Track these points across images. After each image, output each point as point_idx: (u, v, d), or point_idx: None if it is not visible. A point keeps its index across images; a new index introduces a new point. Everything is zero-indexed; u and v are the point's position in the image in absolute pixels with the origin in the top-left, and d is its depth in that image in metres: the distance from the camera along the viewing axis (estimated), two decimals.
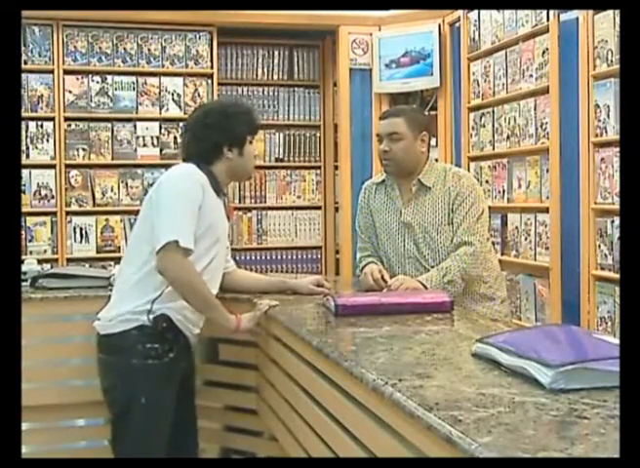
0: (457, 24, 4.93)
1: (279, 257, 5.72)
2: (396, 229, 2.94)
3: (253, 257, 5.65)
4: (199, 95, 5.40)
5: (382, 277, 2.80)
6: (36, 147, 5.13)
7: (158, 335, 2.44)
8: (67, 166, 5.20)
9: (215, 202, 2.54)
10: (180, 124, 5.34)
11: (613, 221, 3.36)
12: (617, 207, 3.31)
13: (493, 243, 4.36)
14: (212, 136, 2.58)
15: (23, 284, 2.96)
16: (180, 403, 2.55)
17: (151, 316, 2.43)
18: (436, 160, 3.88)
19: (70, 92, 5.20)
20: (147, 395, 2.43)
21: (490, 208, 4.34)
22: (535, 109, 4.03)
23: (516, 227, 4.22)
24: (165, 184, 2.49)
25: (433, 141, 4.95)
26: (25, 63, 5.07)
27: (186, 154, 2.65)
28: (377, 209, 3.00)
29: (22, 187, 5.05)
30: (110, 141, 5.29)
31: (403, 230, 2.91)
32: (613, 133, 3.36)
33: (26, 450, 2.86)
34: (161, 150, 5.37)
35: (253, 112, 2.74)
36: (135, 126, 5.33)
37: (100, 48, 5.24)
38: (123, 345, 2.45)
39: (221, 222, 2.61)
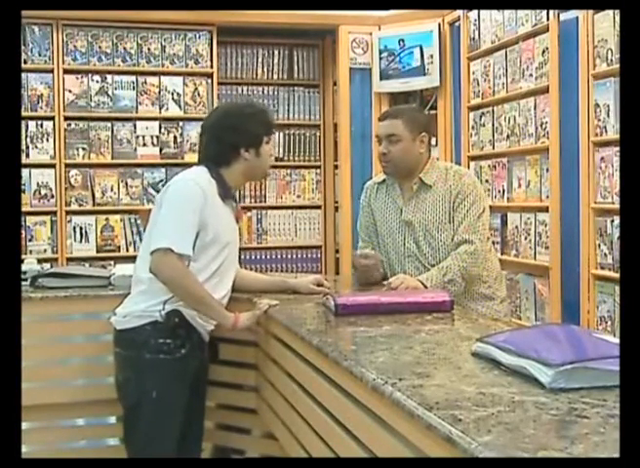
0: (456, 24, 4.93)
1: (279, 257, 5.73)
2: (397, 228, 2.94)
3: (253, 257, 5.65)
4: (199, 94, 5.40)
5: (366, 256, 2.85)
6: (36, 147, 5.13)
7: (170, 331, 2.47)
8: (67, 165, 5.20)
9: (220, 209, 2.56)
10: (180, 123, 5.37)
11: (612, 221, 3.36)
12: (616, 206, 3.31)
13: (493, 242, 4.36)
14: (229, 138, 2.60)
15: (23, 283, 2.96)
16: (191, 400, 2.58)
17: (164, 312, 2.47)
18: (437, 159, 3.88)
19: (70, 91, 5.20)
20: (159, 390, 2.46)
21: (490, 207, 4.35)
22: (534, 109, 4.03)
23: (516, 227, 4.22)
24: (169, 190, 2.54)
25: (433, 141, 4.95)
26: (25, 63, 5.07)
27: (203, 155, 2.68)
28: (378, 208, 3.00)
29: (22, 187, 5.06)
30: (110, 141, 5.29)
31: (404, 229, 2.92)
32: (612, 132, 3.36)
33: (26, 450, 2.87)
34: (161, 150, 5.37)
35: (268, 113, 2.77)
36: (134, 125, 5.33)
37: (99, 47, 5.24)
38: (137, 340, 2.48)
39: (229, 227, 2.63)
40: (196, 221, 2.45)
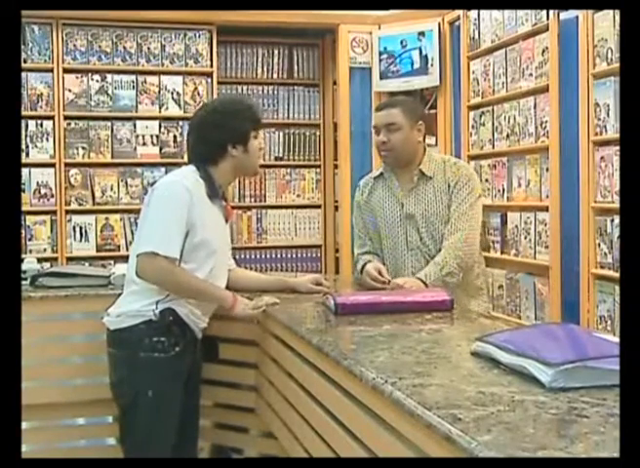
0: (456, 23, 4.93)
1: (279, 256, 5.72)
2: (398, 222, 2.94)
3: (252, 256, 5.65)
4: (199, 93, 5.40)
5: (380, 272, 2.81)
6: (36, 146, 5.13)
7: (164, 329, 2.48)
8: (67, 165, 5.20)
9: (208, 209, 2.55)
10: (180, 122, 5.37)
11: (612, 220, 3.36)
12: (616, 205, 3.30)
13: (492, 241, 4.38)
14: (215, 136, 2.59)
15: (23, 283, 2.96)
16: (185, 398, 2.58)
17: (157, 311, 2.47)
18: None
19: (70, 90, 5.19)
20: (154, 388, 2.46)
21: (489, 206, 4.37)
22: (534, 108, 4.03)
23: (516, 226, 4.22)
24: (156, 191, 2.54)
25: (433, 140, 4.96)
26: (25, 62, 5.07)
27: (192, 155, 2.67)
28: (376, 204, 3.00)
29: (22, 186, 5.05)
30: (110, 140, 5.29)
31: (405, 222, 2.92)
32: (612, 131, 3.36)
33: (26, 449, 2.87)
34: (161, 149, 5.37)
35: (254, 107, 2.75)
36: (134, 124, 5.33)
37: (99, 46, 5.24)
38: (131, 339, 2.48)
39: (218, 228, 2.62)
40: (183, 223, 2.44)
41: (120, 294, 2.62)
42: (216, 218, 2.61)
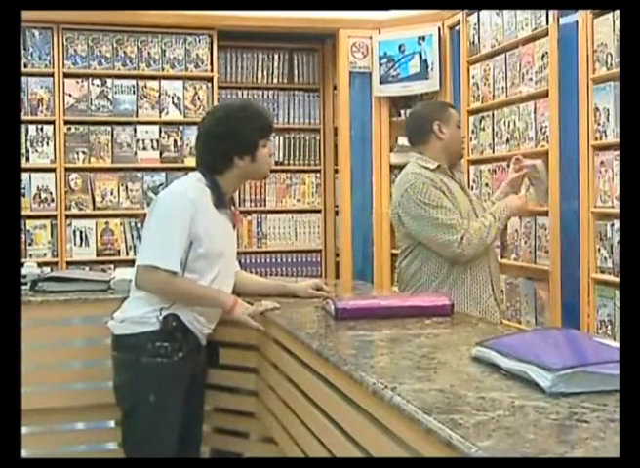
0: (456, 28, 4.93)
1: (279, 261, 5.72)
2: (470, 209, 3.19)
3: (252, 260, 5.65)
4: (199, 98, 5.40)
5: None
6: (36, 150, 5.13)
7: (168, 334, 2.48)
8: (67, 169, 5.20)
9: (214, 217, 2.54)
10: (180, 127, 5.37)
11: (612, 225, 3.36)
12: (616, 210, 3.30)
13: None
14: (221, 146, 2.53)
15: (23, 287, 2.96)
16: (188, 403, 2.57)
17: (161, 317, 2.48)
18: None
19: (70, 95, 5.20)
20: (156, 393, 2.47)
21: None
22: (534, 112, 4.03)
23: (516, 230, 4.21)
24: (159, 202, 2.52)
25: None
26: (25, 67, 5.07)
27: (198, 162, 2.64)
28: (454, 193, 3.18)
29: (22, 190, 5.05)
30: (110, 145, 5.29)
31: (474, 210, 3.21)
32: (612, 136, 3.36)
33: (26, 454, 2.87)
34: (161, 153, 5.37)
35: (263, 115, 2.65)
36: (135, 129, 5.33)
37: (99, 51, 5.24)
38: (134, 344, 2.49)
39: (224, 236, 2.61)
40: (185, 235, 2.43)
41: (124, 299, 2.62)
42: (222, 226, 2.59)
